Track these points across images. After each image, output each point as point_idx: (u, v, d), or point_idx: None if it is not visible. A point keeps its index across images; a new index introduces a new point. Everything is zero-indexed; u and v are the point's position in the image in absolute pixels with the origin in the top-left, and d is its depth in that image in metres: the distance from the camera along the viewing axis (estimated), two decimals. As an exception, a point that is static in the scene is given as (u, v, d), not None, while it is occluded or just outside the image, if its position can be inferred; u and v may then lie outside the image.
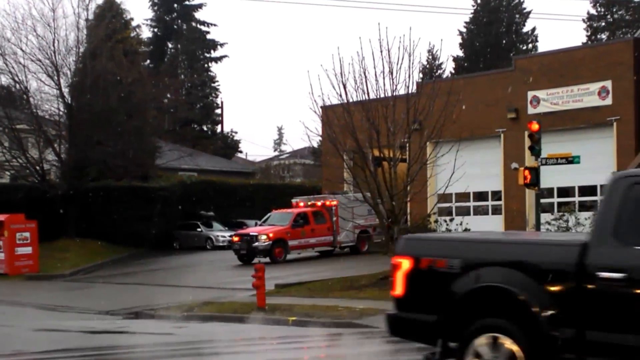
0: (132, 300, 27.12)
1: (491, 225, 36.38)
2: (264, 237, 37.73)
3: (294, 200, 41.72)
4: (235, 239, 38.93)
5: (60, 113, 43.21)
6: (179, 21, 74.56)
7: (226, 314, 22.89)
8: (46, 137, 42.41)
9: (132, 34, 56.90)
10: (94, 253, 41.88)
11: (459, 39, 72.50)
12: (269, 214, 41.24)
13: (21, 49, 41.26)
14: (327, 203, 40.00)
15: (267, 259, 37.02)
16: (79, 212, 43.70)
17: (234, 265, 37.84)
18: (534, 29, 72.47)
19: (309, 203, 40.74)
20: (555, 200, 35.72)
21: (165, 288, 31.18)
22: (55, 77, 41.61)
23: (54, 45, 41.23)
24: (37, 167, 42.15)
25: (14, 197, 41.22)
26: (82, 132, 41.53)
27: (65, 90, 42.59)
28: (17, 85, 42.59)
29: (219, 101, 74.89)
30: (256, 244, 37.66)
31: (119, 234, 44.25)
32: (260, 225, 40.72)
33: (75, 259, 40.34)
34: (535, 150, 26.04)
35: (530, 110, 36.17)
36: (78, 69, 42.81)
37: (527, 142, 29.09)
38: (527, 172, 25.70)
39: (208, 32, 74.51)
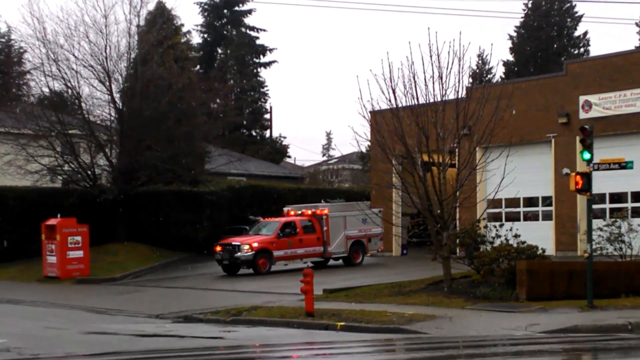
0: (181, 304, 27.29)
1: (541, 231, 36.00)
2: (246, 247, 36.01)
3: (285, 209, 40.16)
4: (218, 248, 37.09)
5: (112, 118, 43.60)
6: (229, 27, 74.92)
7: (274, 318, 22.91)
8: (97, 142, 42.84)
9: (182, 40, 57.30)
10: (143, 257, 42.21)
11: (509, 44, 71.88)
12: (257, 223, 39.66)
13: (74, 55, 41.74)
14: (318, 212, 38.51)
15: (251, 270, 35.92)
16: (129, 216, 44.08)
17: (281, 271, 37.80)
18: (585, 33, 71.58)
19: (298, 212, 39.20)
20: (608, 206, 35.22)
21: (213, 292, 31.32)
22: (107, 83, 42.01)
23: (105, 52, 41.65)
24: (89, 172, 42.58)
25: (65, 202, 41.72)
26: (133, 137, 41.89)
27: (117, 96, 43.00)
28: (70, 91, 43.06)
29: (267, 106, 75.15)
30: (238, 254, 36.00)
31: (168, 239, 44.56)
32: (248, 234, 38.94)
33: (125, 262, 40.70)
34: (588, 156, 25.65)
35: (582, 115, 35.74)
36: (129, 74, 43.19)
37: (579, 147, 28.70)
38: (578, 177, 25.31)
39: (257, 38, 74.81)
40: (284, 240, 36.98)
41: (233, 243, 36.64)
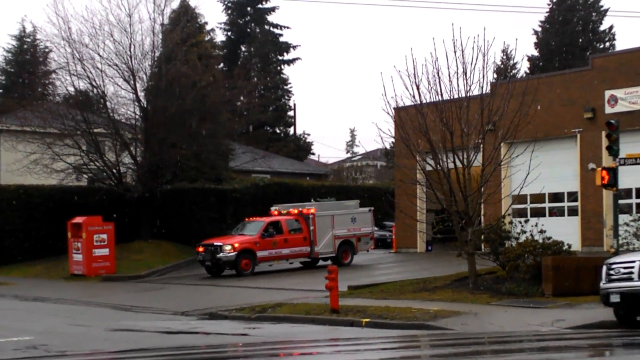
0: (206, 301, 27.37)
1: (567, 227, 35.80)
2: (228, 247, 35.28)
3: (272, 209, 39.18)
4: (200, 249, 36.31)
5: (136, 116, 43.76)
6: (252, 24, 75.05)
7: (299, 315, 22.94)
8: (122, 140, 43.02)
9: (206, 38, 57.43)
10: (168, 254, 42.39)
11: (533, 38, 71.54)
12: (241, 223, 38.75)
13: (99, 54, 41.91)
14: (304, 211, 37.69)
15: (234, 271, 35.33)
16: (154, 214, 44.27)
17: (305, 267, 37.83)
18: (611, 27, 71.04)
19: (284, 211, 38.33)
20: (634, 201, 34.97)
21: (238, 289, 31.40)
22: (132, 81, 42.16)
23: (130, 50, 41.81)
24: (114, 170, 42.78)
25: (91, 200, 41.97)
26: (157, 135, 42.04)
27: (141, 94, 43.13)
28: (95, 90, 43.23)
29: (291, 103, 75.20)
30: (220, 254, 35.24)
31: (192, 236, 44.70)
32: (231, 234, 37.83)
33: (150, 260, 40.88)
34: (613, 150, 25.51)
35: (608, 110, 35.48)
36: (153, 73, 43.33)
37: (605, 142, 28.54)
38: (604, 172, 25.21)
39: (281, 35, 74.89)
40: (268, 240, 36.12)
41: (215, 244, 35.91)
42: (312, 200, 40.53)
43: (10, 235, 41.36)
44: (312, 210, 37.57)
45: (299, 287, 30.11)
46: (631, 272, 18.68)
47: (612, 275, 19.04)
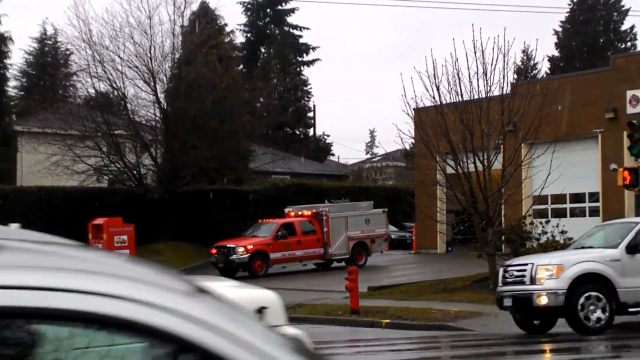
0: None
1: (588, 227, 35.54)
2: (241, 249, 35.20)
3: (286, 210, 38.88)
4: (213, 251, 36.40)
5: (156, 118, 43.91)
6: (272, 26, 75.16)
7: (319, 316, 22.94)
8: (143, 142, 43.17)
9: (226, 40, 57.55)
10: (188, 256, 42.44)
11: (554, 39, 71.31)
12: (254, 225, 38.71)
13: (119, 56, 42.09)
14: (318, 213, 37.51)
15: (247, 273, 34.96)
16: (173, 215, 44.39)
17: (318, 269, 37.69)
18: (632, 27, 70.71)
19: (299, 213, 38.05)
20: (656, 201, 34.72)
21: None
22: (152, 83, 42.30)
23: (150, 52, 41.96)
24: (134, 172, 42.93)
25: (111, 201, 42.10)
26: (177, 137, 42.16)
27: (161, 96, 43.26)
28: (115, 92, 43.44)
29: (311, 104, 75.23)
30: (233, 256, 35.18)
31: (212, 237, 44.74)
32: (244, 236, 37.76)
33: (170, 261, 40.86)
34: (635, 151, 25.38)
35: (629, 110, 35.24)
36: (173, 74, 43.48)
37: (626, 143, 28.37)
38: (626, 173, 25.10)
39: (300, 36, 74.95)
40: (281, 242, 35.86)
41: (228, 245, 35.83)
42: (326, 202, 40.34)
43: (31, 236, 41.53)
44: (325, 212, 37.37)
45: (315, 288, 30.05)
46: (523, 276, 17.79)
47: (507, 278, 18.27)
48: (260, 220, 39.03)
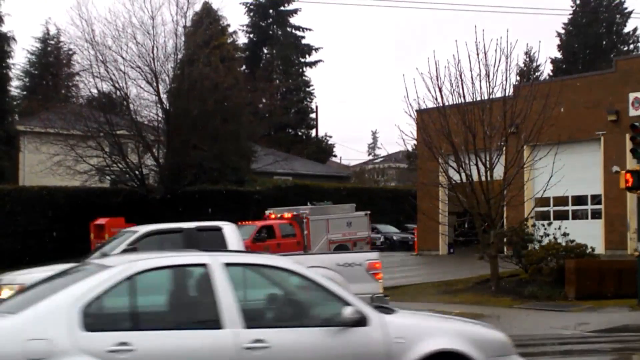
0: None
1: (590, 230, 35.58)
2: None
3: (267, 212, 38.22)
4: None
5: (159, 118, 43.86)
6: (274, 27, 75.16)
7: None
8: (145, 142, 43.13)
9: (228, 40, 57.57)
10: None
11: (557, 41, 71.27)
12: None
13: (122, 57, 42.02)
14: (298, 215, 36.64)
15: None
16: (176, 215, 44.33)
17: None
18: (635, 30, 70.67)
19: (279, 215, 37.39)
20: (658, 204, 34.68)
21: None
22: (154, 84, 42.27)
23: (153, 52, 41.91)
24: (136, 172, 42.89)
25: (114, 201, 42.05)
26: (180, 137, 42.12)
27: (164, 96, 43.20)
28: (118, 92, 43.38)
29: (313, 106, 75.24)
30: None
31: (214, 237, 44.75)
32: None
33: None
34: (638, 153, 25.30)
35: (632, 112, 35.17)
36: (176, 75, 43.45)
37: (629, 145, 28.32)
38: (628, 175, 24.99)
39: (303, 37, 74.97)
40: (259, 245, 34.80)
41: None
42: (307, 204, 39.68)
43: (33, 236, 41.51)
44: (306, 214, 36.71)
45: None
46: None
47: None
48: (240, 223, 38.83)
